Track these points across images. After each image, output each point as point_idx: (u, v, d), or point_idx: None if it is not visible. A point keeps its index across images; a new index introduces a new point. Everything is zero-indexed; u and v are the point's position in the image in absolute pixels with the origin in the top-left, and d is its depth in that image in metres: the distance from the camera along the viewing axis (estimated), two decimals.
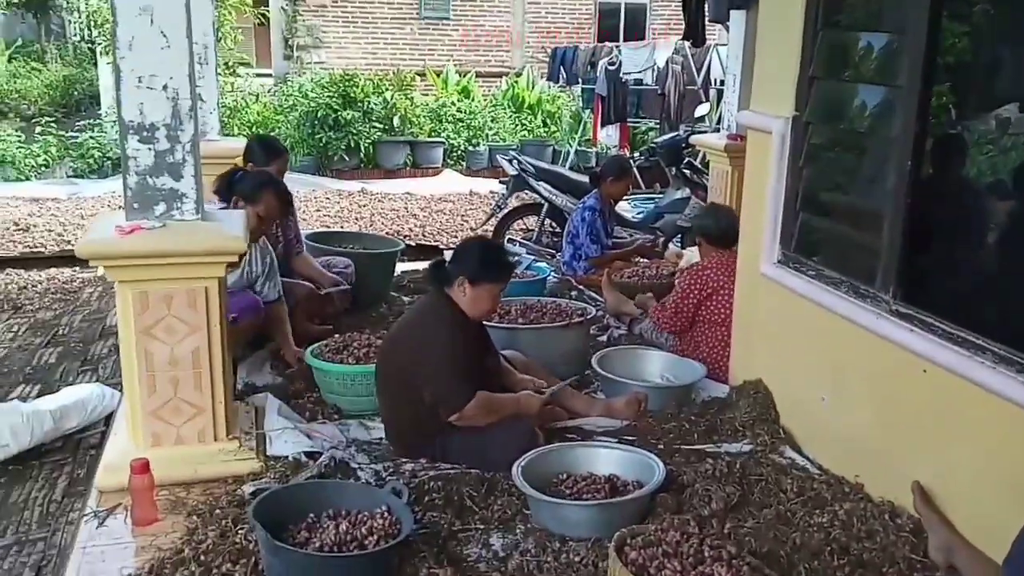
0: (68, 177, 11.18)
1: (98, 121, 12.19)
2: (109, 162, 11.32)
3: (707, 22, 6.56)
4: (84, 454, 3.91)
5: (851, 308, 3.12)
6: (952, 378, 2.64)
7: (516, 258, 6.34)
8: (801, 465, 3.30)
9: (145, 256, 3.00)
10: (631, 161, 8.21)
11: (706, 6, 6.23)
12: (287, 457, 3.26)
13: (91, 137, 11.65)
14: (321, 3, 15.44)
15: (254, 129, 11.97)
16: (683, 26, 7.12)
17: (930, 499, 2.74)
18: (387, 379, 3.39)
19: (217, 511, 2.92)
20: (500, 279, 3.39)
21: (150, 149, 3.02)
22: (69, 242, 7.65)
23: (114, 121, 2.95)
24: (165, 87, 2.99)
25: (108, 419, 4.04)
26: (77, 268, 6.97)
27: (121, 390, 3.63)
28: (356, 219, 9.28)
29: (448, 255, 3.51)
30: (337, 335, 4.18)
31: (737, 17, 5.96)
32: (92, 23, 12.96)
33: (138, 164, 3.03)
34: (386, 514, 2.68)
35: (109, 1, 2.99)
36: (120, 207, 3.19)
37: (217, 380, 3.21)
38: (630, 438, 3.51)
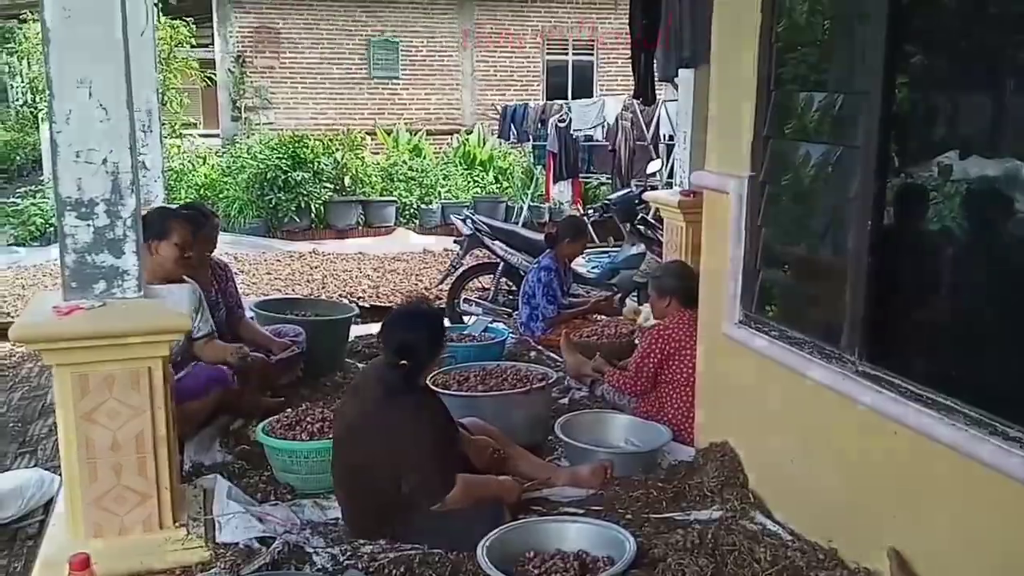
0: (8, 245, 10.85)
1: (40, 187, 11.90)
2: (52, 229, 11.01)
3: (656, 81, 6.62)
4: (21, 546, 3.67)
5: (817, 369, 3.07)
6: (924, 441, 2.58)
7: (474, 319, 6.26)
8: (773, 531, 3.22)
9: (85, 338, 2.85)
10: (586, 219, 8.24)
11: (655, 66, 6.29)
12: (238, 544, 3.09)
13: (33, 204, 11.36)
14: (269, 64, 15.39)
15: (201, 191, 11.78)
16: (629, 83, 7.19)
17: (907, 566, 2.67)
18: (349, 471, 3.25)
19: None
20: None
21: (89, 225, 2.89)
22: (8, 314, 7.36)
23: None
24: (105, 161, 2.87)
25: (47, 505, 3.81)
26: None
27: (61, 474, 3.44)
28: (308, 281, 9.10)
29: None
30: (289, 409, 4.02)
31: (686, 75, 6.02)
32: (34, 88, 12.75)
33: (76, 241, 2.90)
34: None
35: (45, 73, 2.87)
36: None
37: (163, 464, 3.04)
38: (597, 508, 3.41)
